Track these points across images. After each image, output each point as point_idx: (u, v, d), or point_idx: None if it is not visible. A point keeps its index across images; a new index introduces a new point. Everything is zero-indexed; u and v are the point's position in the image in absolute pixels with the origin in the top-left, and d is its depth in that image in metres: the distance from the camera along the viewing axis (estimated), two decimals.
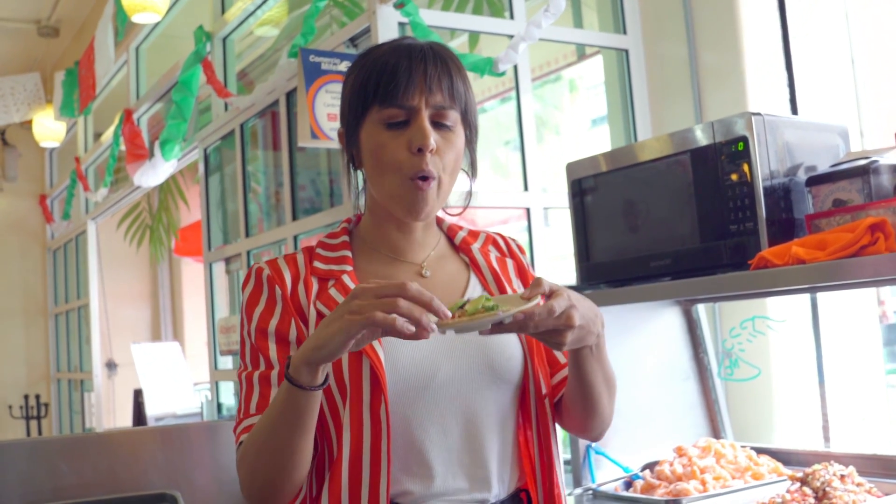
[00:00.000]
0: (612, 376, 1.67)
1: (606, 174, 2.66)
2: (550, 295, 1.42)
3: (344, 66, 3.41)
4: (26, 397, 8.38)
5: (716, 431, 2.95)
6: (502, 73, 3.28)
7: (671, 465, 2.61)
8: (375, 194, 1.66)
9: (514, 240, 1.86)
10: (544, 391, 1.68)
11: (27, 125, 8.44)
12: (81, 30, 7.74)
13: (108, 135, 6.63)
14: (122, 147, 6.03)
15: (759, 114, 2.28)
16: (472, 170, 1.75)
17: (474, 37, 4.22)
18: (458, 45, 4.34)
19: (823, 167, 2.31)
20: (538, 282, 1.43)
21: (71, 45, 8.01)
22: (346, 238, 1.72)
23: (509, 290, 1.69)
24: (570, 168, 2.77)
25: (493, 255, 1.78)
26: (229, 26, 4.85)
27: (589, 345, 1.53)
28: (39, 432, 8.41)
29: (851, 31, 3.29)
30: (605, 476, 2.67)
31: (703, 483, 2.49)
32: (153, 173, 5.54)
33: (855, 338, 3.06)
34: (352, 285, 1.61)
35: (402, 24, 3.23)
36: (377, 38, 3.17)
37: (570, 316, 1.41)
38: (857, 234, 1.95)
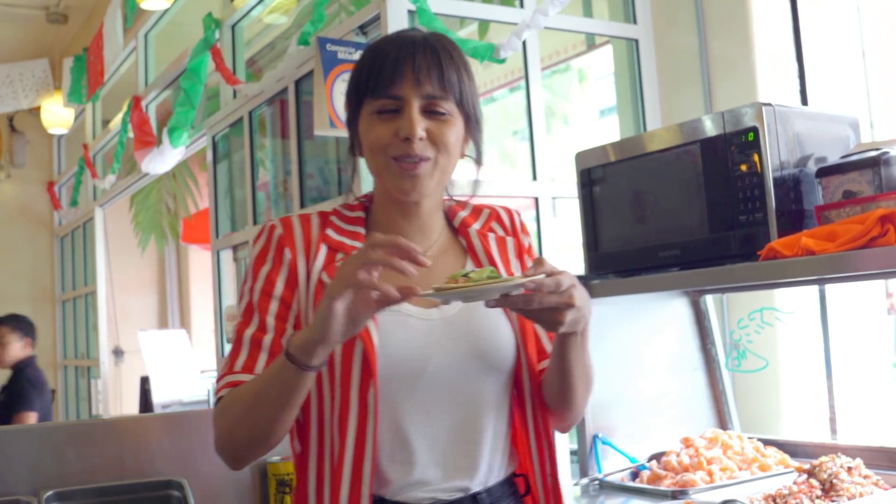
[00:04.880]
0: (590, 370, 1.69)
1: (616, 164, 2.65)
2: (552, 275, 1.43)
3: (358, 55, 3.39)
4: None
5: (723, 423, 2.95)
6: (503, 60, 3.26)
7: (678, 455, 2.61)
8: (372, 174, 1.69)
9: (518, 214, 1.85)
10: (539, 379, 1.70)
11: (35, 112, 8.44)
12: (90, 16, 7.73)
13: (116, 122, 6.64)
14: (130, 134, 6.03)
15: (769, 104, 2.27)
16: (478, 158, 1.76)
17: (484, 25, 4.21)
18: (467, 33, 4.33)
19: (834, 158, 2.30)
20: (540, 261, 1.45)
21: (80, 32, 8.01)
22: (362, 214, 1.74)
23: (504, 275, 1.69)
24: (580, 157, 2.76)
25: (493, 236, 1.78)
26: (238, 13, 4.84)
27: (579, 330, 1.53)
28: None
29: (862, 22, 3.27)
30: (612, 466, 2.67)
31: (710, 474, 2.49)
32: (161, 160, 5.54)
33: (863, 330, 3.05)
34: None
35: (411, 12, 3.22)
36: (386, 25, 3.16)
37: (572, 295, 1.43)
38: (867, 225, 1.94)
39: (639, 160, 2.59)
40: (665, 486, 2.49)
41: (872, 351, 3.09)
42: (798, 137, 2.31)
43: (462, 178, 1.79)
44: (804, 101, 3.13)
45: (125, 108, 6.22)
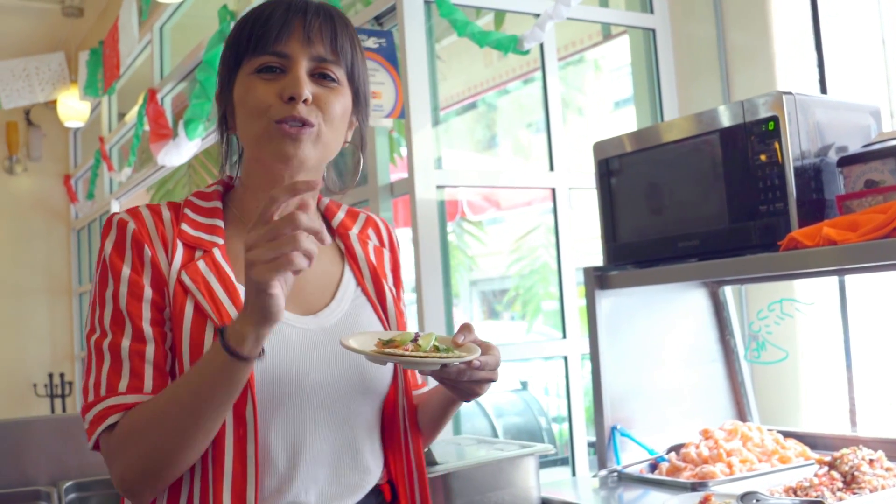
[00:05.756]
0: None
1: (634, 154, 2.64)
2: (481, 344, 1.46)
3: (371, 42, 3.38)
4: (50, 375, 8.43)
5: (742, 414, 2.93)
6: (527, 52, 3.25)
7: (697, 447, 2.59)
8: (245, 146, 1.55)
9: (393, 228, 1.77)
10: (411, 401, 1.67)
11: (52, 105, 8.46)
12: (106, 10, 7.74)
13: (132, 114, 6.64)
14: (146, 127, 6.03)
15: (790, 93, 2.25)
16: (361, 143, 1.64)
17: (500, 16, 4.20)
18: (484, 23, 4.31)
19: (855, 147, 2.28)
20: (469, 328, 1.46)
21: (95, 25, 8.02)
22: (218, 204, 1.58)
23: (386, 289, 1.64)
24: (598, 148, 2.75)
25: (371, 244, 1.67)
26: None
27: None
28: (63, 410, 8.46)
29: (882, 11, 3.24)
30: (630, 458, 2.65)
31: (730, 466, 2.47)
32: (177, 153, 5.54)
33: (883, 321, 3.03)
34: (223, 262, 1.49)
35: (427, 3, 3.21)
36: (402, 15, 3.15)
37: (496, 372, 1.46)
38: (889, 215, 1.93)
39: (657, 150, 2.57)
40: (684, 477, 2.47)
41: (893, 342, 3.06)
42: (819, 126, 2.29)
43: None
44: (823, 91, 3.10)
45: (141, 100, 6.22)
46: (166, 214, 1.53)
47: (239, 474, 1.40)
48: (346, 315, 1.56)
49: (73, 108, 8.22)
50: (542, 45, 3.44)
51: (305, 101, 1.46)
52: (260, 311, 1.27)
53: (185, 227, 1.51)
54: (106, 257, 1.47)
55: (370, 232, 1.71)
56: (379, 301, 1.62)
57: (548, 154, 3.45)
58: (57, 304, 8.95)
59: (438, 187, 3.12)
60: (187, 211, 1.54)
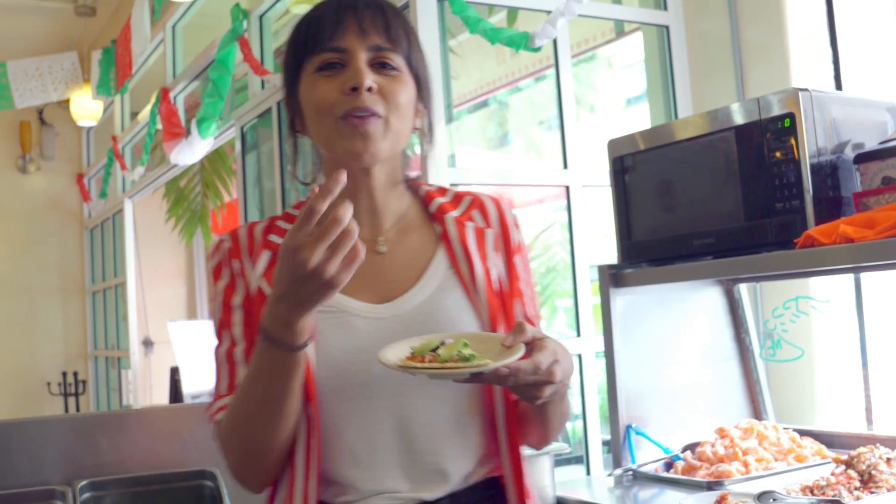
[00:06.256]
0: (568, 411, 1.60)
1: (648, 151, 2.63)
2: (532, 344, 1.35)
3: None
4: (64, 374, 8.45)
5: (757, 413, 2.92)
6: (538, 49, 3.24)
7: (713, 446, 2.58)
8: (319, 146, 1.57)
9: (510, 207, 1.69)
10: None
11: (64, 104, 8.47)
12: (118, 9, 7.75)
13: (144, 113, 6.65)
14: (159, 126, 6.04)
15: (806, 89, 2.24)
16: (429, 133, 1.64)
17: (513, 13, 4.18)
18: (496, 21, 4.30)
19: (871, 144, 2.27)
20: (521, 328, 1.35)
21: (108, 24, 8.03)
22: None
23: (479, 271, 1.56)
24: (612, 145, 2.74)
25: (472, 225, 1.62)
26: (266, 3, 4.83)
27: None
28: (77, 409, 8.48)
29: None
30: (646, 457, 2.65)
31: (746, 465, 2.46)
32: (189, 151, 5.54)
33: None
34: None
35: (440, 1, 3.20)
36: (415, 13, 3.14)
37: (553, 372, 1.34)
38: None
39: (672, 147, 2.56)
40: (700, 476, 2.46)
41: None
42: (835, 123, 2.28)
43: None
44: (838, 87, 3.09)
45: (153, 99, 6.23)
46: (259, 227, 1.60)
47: (307, 468, 1.45)
48: (427, 299, 1.53)
49: (86, 107, 8.23)
50: (555, 43, 3.43)
51: (369, 89, 1.47)
52: (315, 302, 1.28)
53: (272, 237, 1.56)
54: (209, 274, 1.61)
55: (474, 213, 1.65)
56: (471, 282, 1.56)
57: (561, 151, 3.44)
58: (70, 302, 8.97)
59: (452, 185, 3.11)
60: (280, 222, 1.59)
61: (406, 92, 1.52)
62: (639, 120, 4.68)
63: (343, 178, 1.26)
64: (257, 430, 1.43)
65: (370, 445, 1.48)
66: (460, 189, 1.71)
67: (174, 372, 6.95)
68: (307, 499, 1.45)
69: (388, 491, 1.48)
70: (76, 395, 8.44)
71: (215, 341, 1.57)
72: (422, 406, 1.49)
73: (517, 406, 1.57)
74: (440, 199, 1.65)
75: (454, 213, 1.63)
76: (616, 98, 6.50)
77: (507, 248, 1.63)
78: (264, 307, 1.35)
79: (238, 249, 1.57)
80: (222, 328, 1.55)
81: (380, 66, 1.50)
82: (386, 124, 1.49)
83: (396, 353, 1.36)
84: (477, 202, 1.67)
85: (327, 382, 1.45)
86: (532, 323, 1.55)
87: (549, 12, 3.33)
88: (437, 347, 1.33)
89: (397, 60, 1.51)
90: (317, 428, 1.45)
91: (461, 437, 1.52)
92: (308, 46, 1.52)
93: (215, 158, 7.66)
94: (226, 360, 1.53)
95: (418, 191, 1.68)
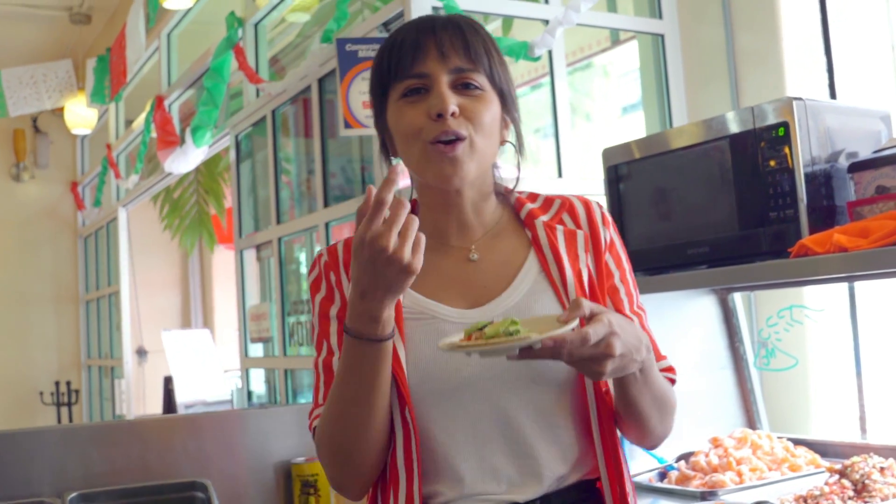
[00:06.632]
0: (663, 396, 1.55)
1: (643, 160, 2.63)
2: (590, 319, 1.33)
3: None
4: (57, 384, 8.44)
5: (751, 422, 2.91)
6: (538, 58, 3.24)
7: (707, 455, 2.58)
8: (410, 171, 1.61)
9: (599, 206, 1.70)
10: (605, 387, 1.56)
11: (59, 112, 8.48)
12: (113, 16, 7.75)
13: (139, 122, 6.65)
14: (154, 134, 6.04)
15: (800, 98, 2.24)
16: (519, 143, 1.67)
17: (508, 21, 4.19)
18: (492, 29, 4.30)
19: (865, 153, 2.27)
20: (577, 303, 1.34)
21: (102, 32, 8.03)
22: None
23: (570, 273, 1.57)
24: (607, 154, 2.73)
25: (562, 228, 1.63)
26: (261, 12, 4.84)
27: (631, 373, 1.42)
28: (70, 419, 8.46)
29: (892, 15, 3.23)
30: (640, 466, 2.64)
31: (740, 474, 2.45)
32: (184, 160, 5.54)
33: (893, 328, 3.01)
34: None
35: (436, 9, 3.20)
36: None
37: (610, 344, 1.31)
38: None
39: (667, 156, 2.56)
40: (694, 486, 2.45)
41: None
42: (829, 132, 2.27)
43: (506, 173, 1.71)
44: (833, 96, 3.09)
45: (148, 107, 6.23)
46: None
47: (409, 472, 1.48)
48: (518, 303, 1.55)
49: (81, 115, 8.24)
50: (550, 52, 3.43)
51: (453, 114, 1.49)
52: (397, 289, 1.35)
53: None
54: (309, 290, 1.65)
55: (564, 216, 1.66)
56: (562, 285, 1.57)
57: (556, 160, 3.44)
58: (64, 311, 8.96)
59: None
60: None
61: (490, 110, 1.54)
62: (635, 128, 4.68)
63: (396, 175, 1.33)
64: (350, 430, 1.47)
65: (464, 448, 1.50)
66: (551, 194, 1.72)
67: (168, 381, 6.94)
68: (412, 502, 1.48)
69: (482, 493, 1.50)
70: (69, 404, 8.43)
71: (314, 352, 1.62)
72: (513, 408, 1.51)
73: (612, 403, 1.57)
74: (530, 205, 1.68)
75: (544, 218, 1.65)
76: (613, 106, 6.50)
77: (597, 248, 1.63)
78: (347, 307, 1.40)
79: (336, 264, 1.62)
80: (321, 338, 1.59)
81: (463, 87, 1.53)
82: (472, 145, 1.52)
83: (453, 338, 1.38)
84: (567, 204, 1.68)
85: (420, 387, 1.49)
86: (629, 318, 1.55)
87: (545, 21, 3.34)
88: (485, 327, 1.34)
89: (479, 80, 1.54)
90: (415, 432, 1.48)
91: (554, 439, 1.53)
92: (392, 73, 1.54)
93: (213, 162, 7.65)
94: (325, 370, 1.57)
95: (509, 198, 1.71)
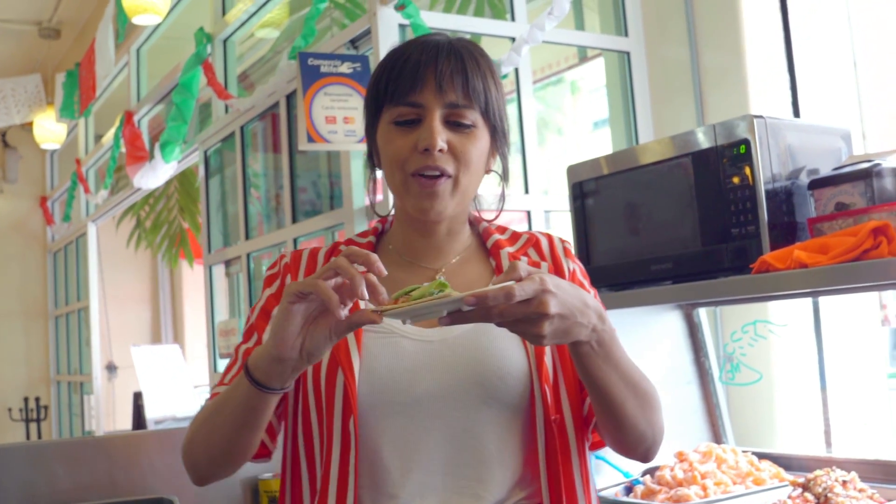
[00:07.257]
0: (638, 383, 1.49)
1: (608, 177, 2.65)
2: (522, 280, 1.27)
3: (345, 67, 3.39)
4: (26, 400, 8.37)
5: (717, 436, 2.93)
6: (504, 76, 3.27)
7: (672, 470, 2.59)
8: (390, 189, 1.60)
9: (563, 241, 1.70)
10: (555, 416, 1.52)
11: (28, 127, 8.44)
12: (82, 31, 7.73)
13: (108, 137, 6.63)
14: (123, 149, 6.02)
15: (761, 116, 2.26)
16: (504, 174, 1.67)
17: (475, 39, 4.21)
18: None
19: (826, 170, 2.29)
20: (513, 266, 1.28)
21: (72, 47, 8.01)
22: (372, 239, 1.68)
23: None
24: (571, 171, 2.75)
25: (526, 260, 1.63)
26: (230, 28, 4.84)
27: (581, 339, 1.34)
28: (39, 435, 8.40)
29: (854, 34, 3.27)
30: (606, 481, 2.65)
31: (704, 488, 2.47)
32: (153, 175, 5.53)
33: (857, 342, 3.04)
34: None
35: (402, 27, 3.22)
36: (377, 40, 3.16)
37: (543, 302, 1.25)
38: (859, 237, 1.94)
39: (631, 173, 2.58)
40: (659, 500, 2.47)
41: (866, 363, 3.08)
42: (790, 149, 2.30)
43: (488, 193, 1.71)
44: (796, 113, 3.12)
45: (117, 122, 6.21)
46: (322, 251, 1.66)
47: (342, 486, 1.46)
48: (476, 325, 1.50)
49: (50, 129, 8.20)
50: (516, 68, 3.46)
51: (441, 150, 1.49)
52: (273, 332, 1.34)
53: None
54: (263, 282, 1.67)
55: (530, 250, 1.67)
56: None
57: (523, 177, 3.46)
58: (33, 327, 8.90)
59: None
60: (342, 247, 1.62)
61: (478, 147, 1.54)
62: (605, 142, 4.71)
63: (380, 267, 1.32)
64: (213, 450, 1.50)
65: (406, 465, 1.48)
66: (519, 230, 1.73)
67: (137, 397, 6.90)
68: None
69: None
70: (38, 420, 8.36)
71: (240, 339, 1.63)
72: (463, 429, 1.49)
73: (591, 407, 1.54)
74: (497, 236, 1.68)
75: (510, 249, 1.65)
76: (583, 121, 6.54)
77: (560, 277, 1.56)
78: (260, 347, 1.39)
79: (296, 268, 1.63)
80: (253, 329, 1.61)
81: (455, 123, 1.52)
82: (455, 183, 1.52)
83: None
84: (532, 240, 1.69)
85: (369, 399, 1.47)
86: None
87: (511, 38, 3.36)
88: (411, 291, 1.29)
89: (472, 116, 1.52)
90: (356, 443, 1.46)
91: (500, 461, 1.51)
92: (387, 95, 1.53)
93: (189, 179, 7.62)
94: (242, 357, 1.58)
95: (477, 226, 1.72)
